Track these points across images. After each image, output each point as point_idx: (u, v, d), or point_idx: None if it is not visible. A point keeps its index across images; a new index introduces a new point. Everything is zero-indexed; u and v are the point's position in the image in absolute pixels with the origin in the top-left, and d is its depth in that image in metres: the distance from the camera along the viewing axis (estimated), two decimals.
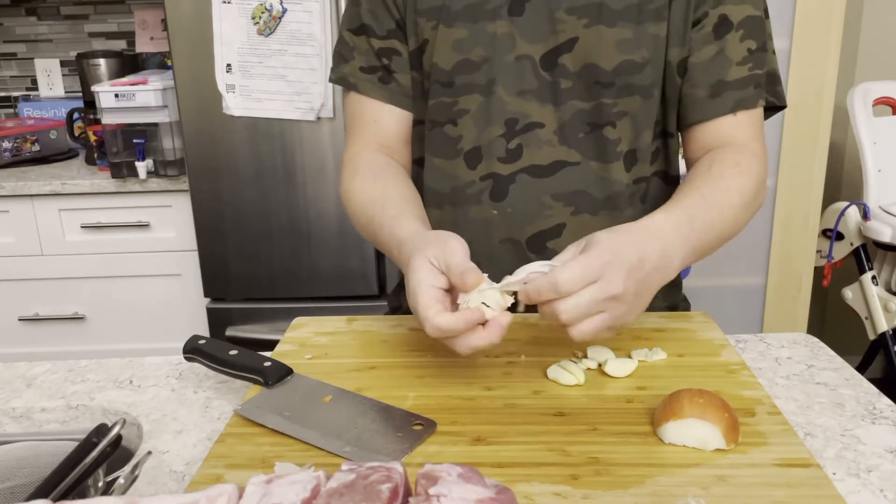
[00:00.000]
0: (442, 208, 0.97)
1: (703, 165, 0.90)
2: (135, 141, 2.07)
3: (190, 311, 2.21)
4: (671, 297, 1.05)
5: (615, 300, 0.68)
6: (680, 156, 1.01)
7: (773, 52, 0.96)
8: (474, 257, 0.73)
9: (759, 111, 0.94)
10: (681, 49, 0.92)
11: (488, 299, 0.69)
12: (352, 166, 0.98)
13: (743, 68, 0.91)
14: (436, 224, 0.95)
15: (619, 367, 0.77)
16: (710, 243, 0.84)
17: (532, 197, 0.93)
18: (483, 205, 0.95)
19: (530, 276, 0.69)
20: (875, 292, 2.17)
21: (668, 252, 0.75)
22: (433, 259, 0.71)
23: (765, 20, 0.93)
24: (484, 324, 0.69)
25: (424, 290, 0.69)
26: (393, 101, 0.99)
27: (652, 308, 1.01)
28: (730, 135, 0.92)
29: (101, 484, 0.68)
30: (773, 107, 0.97)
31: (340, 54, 1.01)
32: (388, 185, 0.92)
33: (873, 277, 2.19)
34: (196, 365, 0.84)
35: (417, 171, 1.01)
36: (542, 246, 0.94)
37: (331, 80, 1.03)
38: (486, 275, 0.71)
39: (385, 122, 1.00)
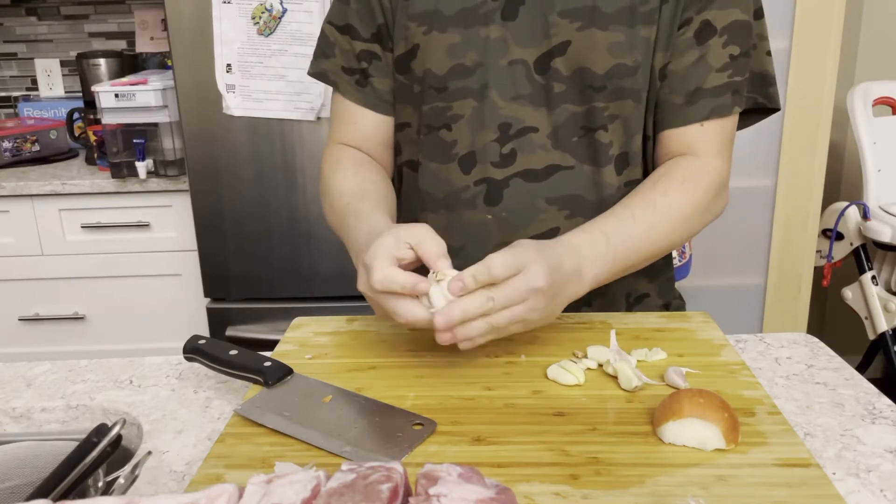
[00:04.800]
0: (437, 212, 0.97)
1: (652, 178, 0.91)
2: (135, 141, 2.07)
3: (190, 311, 2.21)
4: (665, 295, 1.05)
5: (537, 293, 0.72)
6: None
7: (769, 54, 0.94)
8: (469, 261, 0.73)
9: (732, 119, 0.93)
10: (664, 54, 0.91)
11: (441, 291, 0.72)
12: (333, 160, 1.00)
13: (722, 75, 0.90)
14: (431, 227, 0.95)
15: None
16: (634, 260, 0.86)
17: (526, 201, 0.93)
18: (477, 209, 0.94)
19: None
20: (875, 292, 2.17)
21: (581, 268, 0.79)
22: (403, 235, 0.75)
23: (753, 23, 0.92)
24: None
25: (385, 253, 0.73)
26: (368, 105, 1.00)
27: (647, 306, 1.02)
28: (693, 145, 0.92)
29: (101, 484, 0.68)
30: (765, 109, 0.96)
31: (321, 49, 1.02)
32: (367, 179, 0.95)
33: (873, 277, 2.19)
34: (196, 365, 0.84)
35: (412, 174, 1.01)
36: None
37: (309, 74, 1.03)
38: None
39: (363, 125, 1.01)
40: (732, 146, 0.95)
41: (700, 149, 0.92)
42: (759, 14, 0.93)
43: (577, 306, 0.97)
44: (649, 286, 1.02)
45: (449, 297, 0.71)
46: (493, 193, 0.94)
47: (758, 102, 0.95)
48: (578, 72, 0.90)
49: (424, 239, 0.74)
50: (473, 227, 0.95)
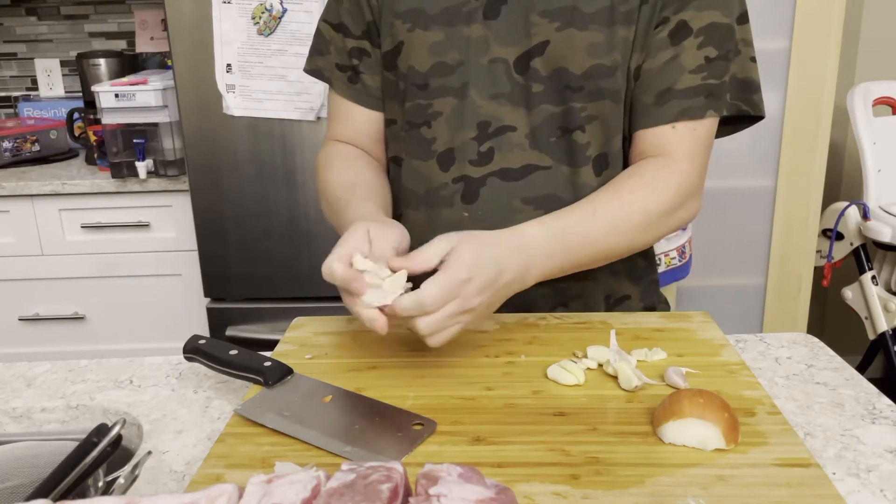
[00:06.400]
0: (418, 209, 0.98)
1: (621, 177, 0.90)
2: (135, 141, 2.07)
3: (190, 311, 2.21)
4: (648, 298, 1.04)
5: (469, 312, 0.75)
6: None
7: (753, 60, 0.92)
8: None
9: (708, 123, 0.90)
10: (640, 54, 0.90)
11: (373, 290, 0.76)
12: (326, 159, 1.02)
13: (695, 77, 0.88)
14: (412, 224, 0.96)
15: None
16: (588, 258, 0.87)
17: (502, 200, 0.93)
18: (455, 207, 0.94)
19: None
20: (875, 292, 2.17)
21: (528, 267, 0.80)
22: (371, 227, 0.78)
23: (735, 27, 0.89)
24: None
25: (346, 246, 0.76)
26: (359, 101, 1.01)
27: (628, 308, 1.01)
28: (665, 146, 0.90)
29: (101, 484, 0.68)
30: (750, 116, 0.94)
31: (317, 46, 1.03)
32: (359, 173, 0.97)
33: (873, 277, 2.19)
34: (196, 365, 0.84)
35: (396, 170, 1.02)
36: None
37: (305, 70, 1.05)
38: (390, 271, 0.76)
39: (355, 121, 1.03)
40: (708, 152, 0.92)
41: (672, 150, 0.90)
42: (743, 19, 0.91)
43: (552, 307, 0.96)
44: (632, 288, 1.01)
45: (376, 303, 0.74)
46: (470, 191, 0.94)
47: (741, 110, 0.92)
48: (556, 72, 0.90)
49: (379, 236, 0.78)
50: (452, 225, 0.94)
